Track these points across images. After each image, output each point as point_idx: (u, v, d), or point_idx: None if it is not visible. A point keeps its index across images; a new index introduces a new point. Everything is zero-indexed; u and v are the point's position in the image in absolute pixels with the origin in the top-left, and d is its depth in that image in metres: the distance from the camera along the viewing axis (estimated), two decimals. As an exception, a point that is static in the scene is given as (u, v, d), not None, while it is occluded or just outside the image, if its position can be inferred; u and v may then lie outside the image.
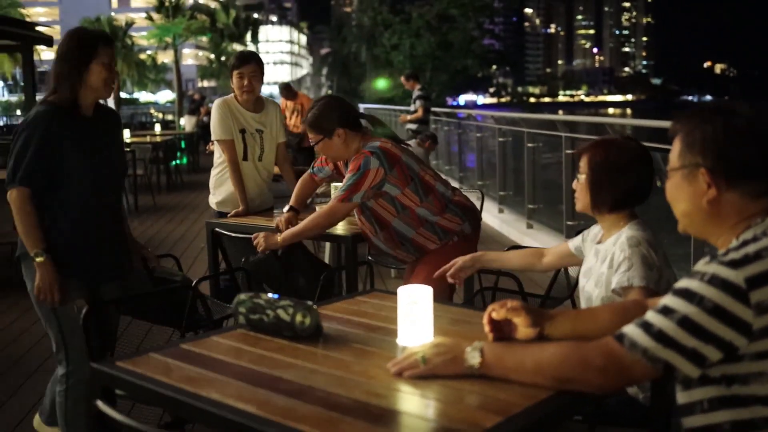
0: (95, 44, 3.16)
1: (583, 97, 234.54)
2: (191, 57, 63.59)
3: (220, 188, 4.81)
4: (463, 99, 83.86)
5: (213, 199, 4.87)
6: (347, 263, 3.89)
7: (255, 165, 4.75)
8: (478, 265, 2.99)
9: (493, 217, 9.64)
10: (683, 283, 1.68)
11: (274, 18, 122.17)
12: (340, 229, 4.08)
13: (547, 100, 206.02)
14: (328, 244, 5.92)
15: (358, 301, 2.60)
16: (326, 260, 6.08)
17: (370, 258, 5.03)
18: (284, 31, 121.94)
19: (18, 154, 3.08)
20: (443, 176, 4.08)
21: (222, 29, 42.72)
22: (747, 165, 1.73)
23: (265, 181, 4.85)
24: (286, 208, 4.07)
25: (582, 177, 2.61)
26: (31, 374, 4.57)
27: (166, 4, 32.19)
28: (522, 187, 9.01)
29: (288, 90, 11.33)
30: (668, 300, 1.68)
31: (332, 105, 3.70)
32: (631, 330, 1.70)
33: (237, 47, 48.09)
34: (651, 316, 1.69)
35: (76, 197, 3.18)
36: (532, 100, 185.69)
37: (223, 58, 44.10)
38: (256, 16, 67.73)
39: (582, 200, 2.63)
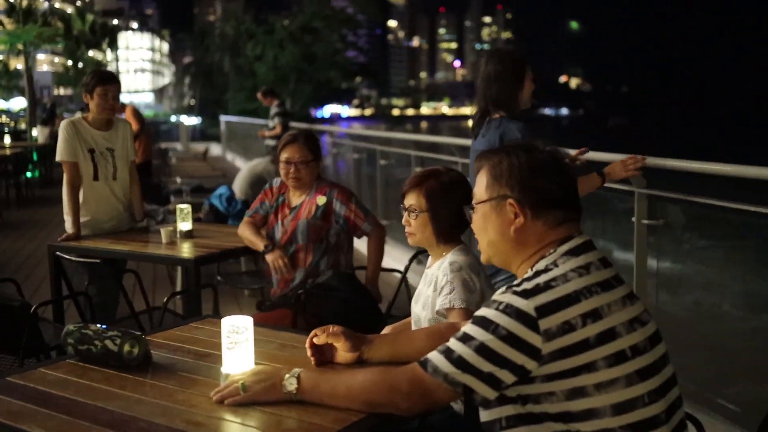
0: (523, 63, 3.64)
1: (445, 109, 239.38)
2: (47, 63, 61.12)
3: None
4: (328, 111, 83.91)
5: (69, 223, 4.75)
6: (189, 286, 3.92)
7: (109, 185, 4.71)
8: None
9: (349, 232, 9.78)
10: (482, 311, 1.82)
11: (134, 25, 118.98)
12: (186, 252, 4.11)
13: (411, 112, 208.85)
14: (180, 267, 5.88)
15: (191, 328, 2.66)
16: (178, 282, 6.05)
17: (219, 279, 5.05)
18: (145, 39, 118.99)
19: None
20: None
21: (78, 36, 41.24)
22: (549, 195, 1.90)
23: (121, 201, 4.81)
24: (268, 247, 3.99)
25: (416, 212, 2.69)
26: None
27: (17, 8, 30.81)
28: (377, 203, 9.18)
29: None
30: (468, 327, 1.82)
31: None
32: (434, 356, 1.83)
33: (95, 54, 46.52)
34: (452, 342, 1.82)
35: None
36: (396, 112, 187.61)
37: (80, 65, 42.64)
38: (115, 22, 65.77)
39: (420, 235, 2.72)
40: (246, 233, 4.08)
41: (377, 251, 4.03)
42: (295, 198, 4.01)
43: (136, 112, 8.96)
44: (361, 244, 8.90)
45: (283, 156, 3.93)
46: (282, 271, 3.86)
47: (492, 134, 3.57)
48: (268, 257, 3.91)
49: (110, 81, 4.65)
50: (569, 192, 1.95)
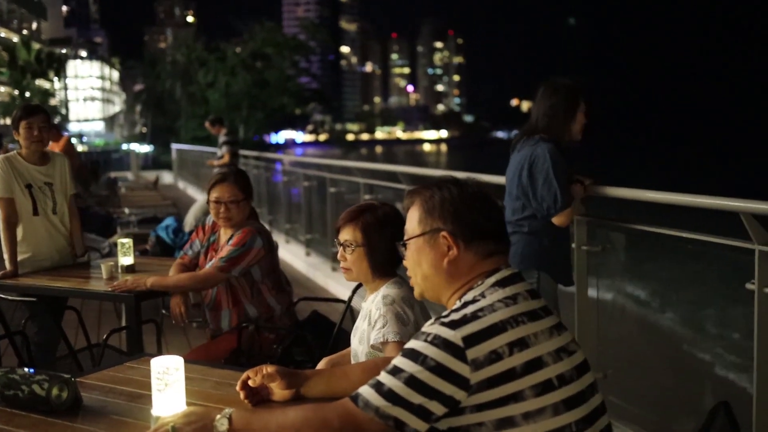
0: (577, 96, 3.72)
1: (399, 133, 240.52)
2: (-7, 93, 60.17)
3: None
4: (282, 136, 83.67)
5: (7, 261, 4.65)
6: (129, 323, 3.86)
7: (49, 219, 4.63)
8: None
9: (300, 260, 9.75)
10: (410, 343, 1.83)
11: (83, 53, 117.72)
12: (128, 287, 4.04)
13: (365, 137, 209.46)
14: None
15: (126, 368, 2.60)
16: (123, 316, 5.94)
17: (164, 312, 4.97)
18: (95, 67, 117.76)
19: (558, 181, 3.58)
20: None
21: (23, 66, 40.76)
22: (480, 226, 1.92)
23: (63, 234, 4.71)
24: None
25: (352, 247, 2.67)
26: None
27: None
28: (328, 230, 9.17)
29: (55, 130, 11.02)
30: (397, 360, 1.82)
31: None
32: (365, 390, 1.83)
33: (43, 83, 46.00)
34: (382, 375, 1.82)
35: None
36: (351, 137, 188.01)
37: (27, 94, 42.17)
38: (63, 51, 65.06)
39: (356, 270, 2.70)
40: (169, 273, 4.04)
41: (188, 275, 3.88)
42: (225, 237, 3.96)
43: (67, 144, 8.84)
44: (317, 275, 8.89)
45: (213, 195, 3.86)
46: (177, 318, 3.85)
47: (526, 150, 3.72)
48: (171, 301, 3.90)
49: (33, 113, 4.58)
50: (499, 224, 1.97)
